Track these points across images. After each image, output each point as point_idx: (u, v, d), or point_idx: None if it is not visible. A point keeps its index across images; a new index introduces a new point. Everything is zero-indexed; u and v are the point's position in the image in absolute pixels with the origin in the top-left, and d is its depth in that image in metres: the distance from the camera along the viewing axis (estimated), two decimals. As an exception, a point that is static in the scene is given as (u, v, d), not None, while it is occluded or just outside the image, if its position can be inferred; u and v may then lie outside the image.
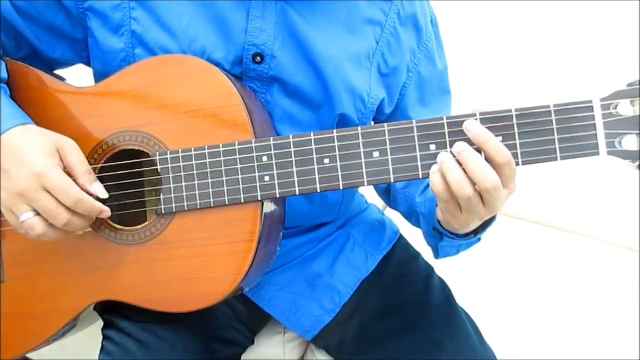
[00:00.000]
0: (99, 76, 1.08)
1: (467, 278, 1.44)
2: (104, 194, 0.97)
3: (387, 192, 1.25)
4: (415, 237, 1.32)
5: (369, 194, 1.36)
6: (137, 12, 1.02)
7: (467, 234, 1.01)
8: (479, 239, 1.06)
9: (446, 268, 1.28)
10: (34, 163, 0.91)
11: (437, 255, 1.15)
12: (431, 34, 1.14)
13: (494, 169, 0.86)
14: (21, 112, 0.98)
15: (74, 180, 0.94)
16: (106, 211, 0.96)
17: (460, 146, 0.87)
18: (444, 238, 1.05)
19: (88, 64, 1.11)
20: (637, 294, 1.58)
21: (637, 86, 0.85)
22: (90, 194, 0.95)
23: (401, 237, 1.30)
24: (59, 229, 0.94)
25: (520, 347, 1.47)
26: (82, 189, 0.94)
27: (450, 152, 0.88)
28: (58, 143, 0.95)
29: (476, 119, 0.88)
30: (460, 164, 0.86)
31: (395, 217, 1.35)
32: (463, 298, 1.22)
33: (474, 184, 0.86)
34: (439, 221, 1.00)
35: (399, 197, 1.19)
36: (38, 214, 0.92)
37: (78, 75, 1.14)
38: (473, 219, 0.91)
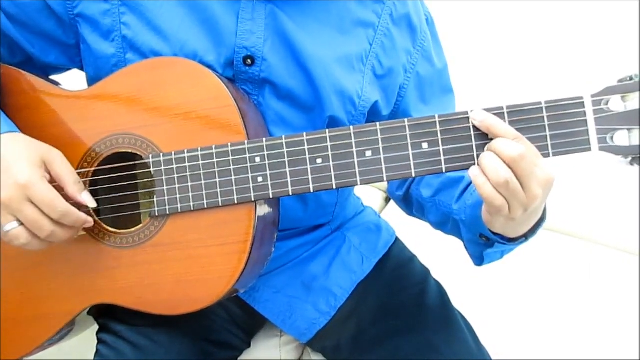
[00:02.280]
0: (92, 81, 1.08)
1: (463, 281, 1.43)
2: (93, 204, 0.97)
3: (406, 201, 1.23)
4: (411, 240, 1.32)
5: (365, 197, 1.36)
6: (127, 17, 1.02)
7: (516, 238, 0.98)
8: (524, 241, 1.02)
9: (442, 271, 1.28)
10: (20, 174, 0.91)
11: (480, 262, 1.09)
12: (427, 33, 1.13)
13: None
14: (8, 121, 0.98)
15: (63, 190, 0.95)
16: (90, 222, 0.96)
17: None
18: (495, 244, 1.01)
19: (82, 69, 1.11)
20: (637, 299, 1.58)
21: (628, 82, 0.86)
22: (79, 205, 0.95)
23: (397, 240, 1.30)
24: (43, 240, 0.94)
25: (516, 350, 1.46)
26: (71, 198, 0.95)
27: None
28: (44, 154, 0.95)
29: (468, 117, 0.89)
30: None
31: (391, 220, 1.35)
32: (459, 301, 1.22)
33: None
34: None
35: (429, 205, 1.15)
36: (22, 224, 0.92)
37: (73, 80, 1.14)
38: (518, 209, 0.88)
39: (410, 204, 1.22)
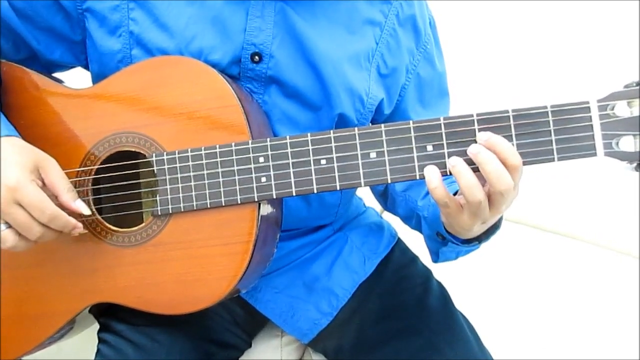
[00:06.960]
0: (96, 78, 1.08)
1: (465, 282, 1.44)
2: (87, 211, 0.97)
3: (384, 195, 1.25)
4: (413, 241, 1.32)
5: (367, 198, 1.36)
6: (135, 13, 1.02)
7: (469, 240, 1.01)
8: (478, 247, 1.05)
9: (445, 272, 1.28)
10: (10, 177, 0.90)
11: (436, 259, 1.15)
12: (430, 36, 1.15)
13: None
14: (7, 124, 0.98)
15: (57, 198, 0.94)
16: (79, 227, 0.95)
17: (476, 147, 0.87)
18: (448, 244, 1.04)
19: (86, 67, 1.11)
20: (637, 302, 1.58)
21: (634, 87, 0.85)
22: (73, 212, 0.95)
23: (399, 240, 1.30)
24: (30, 241, 0.94)
25: (518, 352, 1.46)
26: (65, 207, 0.94)
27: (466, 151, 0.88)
28: (38, 161, 0.94)
29: (473, 120, 0.88)
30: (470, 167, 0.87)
31: (393, 220, 1.34)
32: (461, 302, 1.22)
33: (484, 186, 0.87)
34: (444, 226, 1.00)
35: (399, 200, 1.19)
36: (10, 226, 0.92)
37: (76, 78, 1.14)
38: (477, 222, 0.91)
39: (386, 197, 1.25)
